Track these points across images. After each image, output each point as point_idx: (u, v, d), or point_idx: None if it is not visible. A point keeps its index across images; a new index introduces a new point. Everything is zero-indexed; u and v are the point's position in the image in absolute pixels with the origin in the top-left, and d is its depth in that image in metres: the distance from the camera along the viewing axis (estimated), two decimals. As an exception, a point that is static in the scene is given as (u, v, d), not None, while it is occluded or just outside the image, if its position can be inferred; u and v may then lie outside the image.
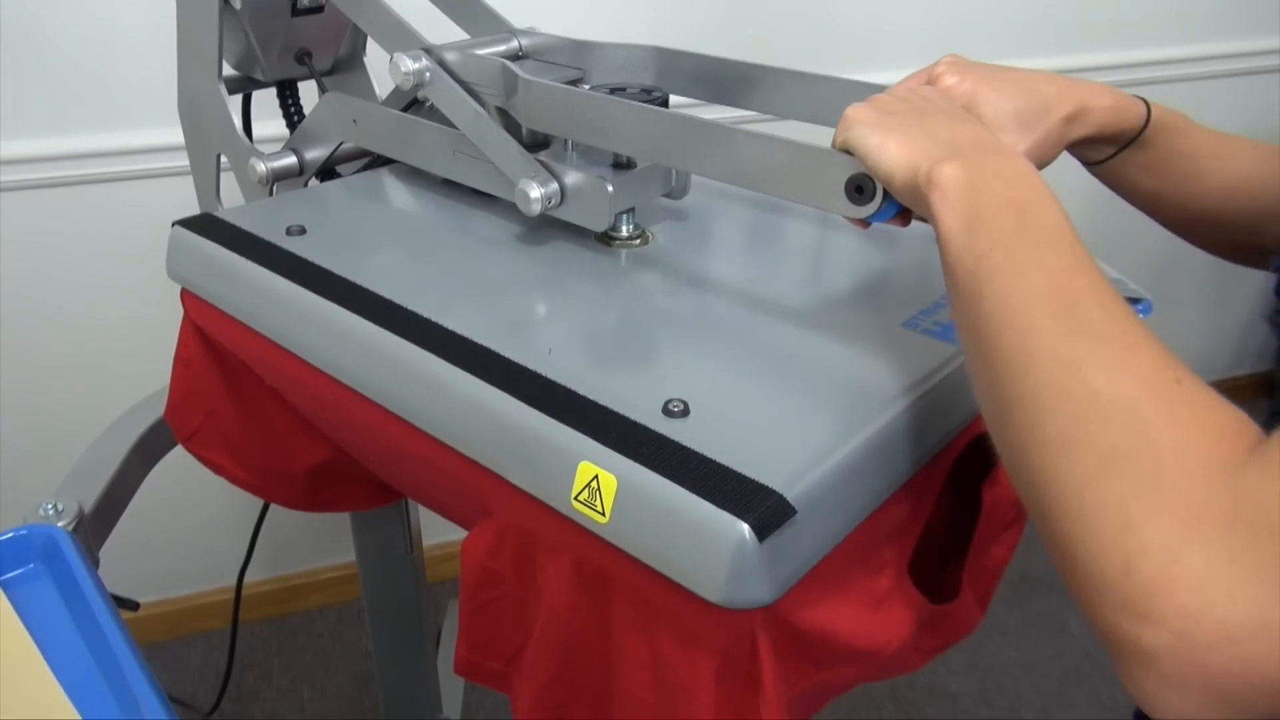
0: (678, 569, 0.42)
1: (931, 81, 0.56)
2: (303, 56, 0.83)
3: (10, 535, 0.58)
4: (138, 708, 0.50)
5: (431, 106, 0.69)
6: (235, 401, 0.70)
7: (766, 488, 0.41)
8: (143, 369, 1.03)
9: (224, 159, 0.83)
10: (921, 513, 0.52)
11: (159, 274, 0.69)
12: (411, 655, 1.10)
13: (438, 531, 1.59)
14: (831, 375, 0.52)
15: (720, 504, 0.41)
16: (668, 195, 0.69)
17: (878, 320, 0.57)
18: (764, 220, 0.73)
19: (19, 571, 0.58)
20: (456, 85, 0.66)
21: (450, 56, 0.66)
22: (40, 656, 0.53)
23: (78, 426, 0.88)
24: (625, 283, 0.63)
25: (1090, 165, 0.62)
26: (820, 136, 0.51)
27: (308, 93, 0.87)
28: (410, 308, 0.57)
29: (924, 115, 0.48)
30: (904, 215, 0.50)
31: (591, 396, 0.48)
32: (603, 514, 0.44)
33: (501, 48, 0.71)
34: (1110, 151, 0.60)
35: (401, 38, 0.68)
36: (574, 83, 0.67)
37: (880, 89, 0.54)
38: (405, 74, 0.66)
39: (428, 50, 0.66)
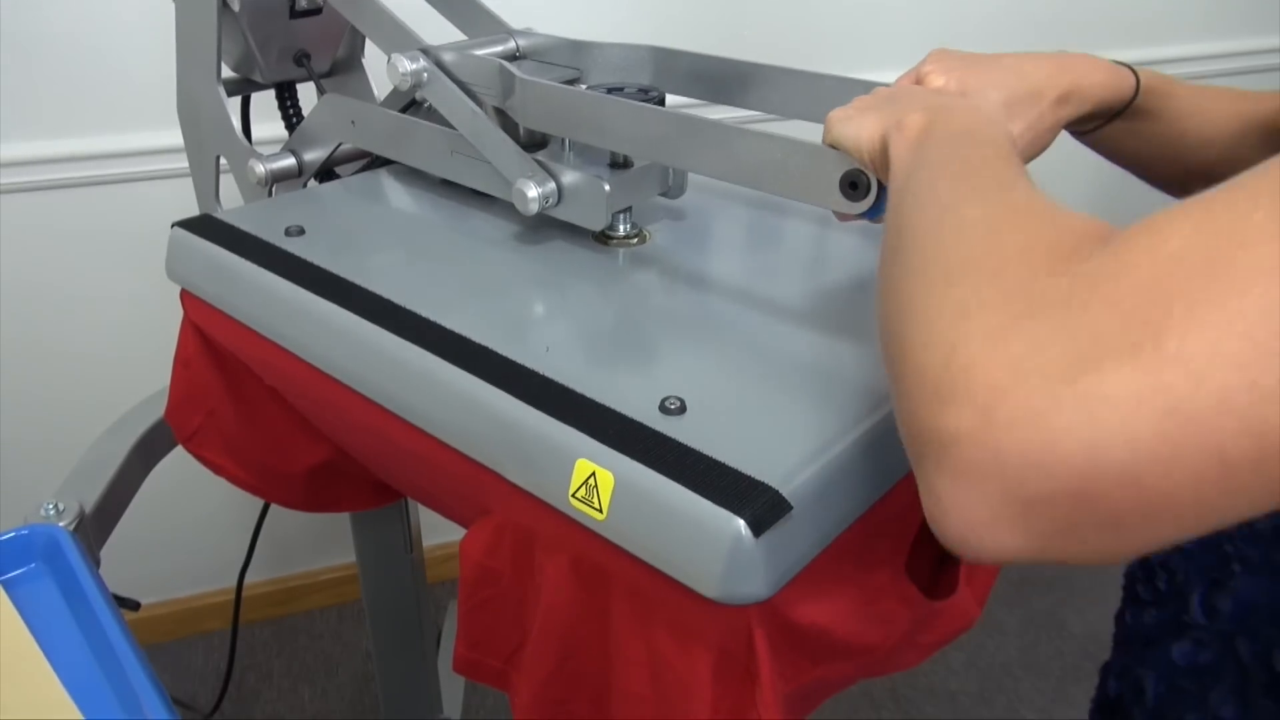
0: (675, 565, 0.42)
1: (919, 82, 0.56)
2: (301, 58, 0.84)
3: (11, 535, 0.59)
4: (140, 707, 0.50)
5: (429, 107, 0.69)
6: (235, 402, 0.71)
7: (762, 484, 0.42)
8: (143, 370, 1.03)
9: (223, 160, 0.84)
10: (917, 509, 0.52)
11: (159, 275, 0.70)
12: (412, 655, 1.10)
13: (438, 532, 1.59)
14: (827, 372, 0.52)
15: (716, 500, 0.41)
16: (664, 195, 0.69)
17: (874, 318, 0.57)
18: (760, 219, 0.73)
19: (20, 571, 0.58)
20: (454, 86, 0.66)
21: (448, 57, 0.67)
22: (42, 656, 0.53)
23: (79, 427, 0.88)
24: (622, 282, 0.63)
25: (1077, 134, 0.62)
26: (817, 134, 0.52)
27: (306, 94, 0.87)
28: (409, 307, 0.57)
29: (898, 98, 0.48)
30: None
31: (589, 394, 0.49)
32: (600, 511, 0.44)
33: (499, 48, 0.72)
34: (1100, 122, 0.60)
35: (399, 39, 0.68)
36: (571, 82, 0.67)
37: (875, 86, 0.55)
38: (403, 75, 0.66)
39: (425, 51, 0.67)
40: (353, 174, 0.83)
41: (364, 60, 0.88)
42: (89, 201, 1.27)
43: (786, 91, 0.65)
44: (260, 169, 0.78)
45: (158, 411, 0.79)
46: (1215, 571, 0.43)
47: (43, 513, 0.67)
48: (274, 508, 0.85)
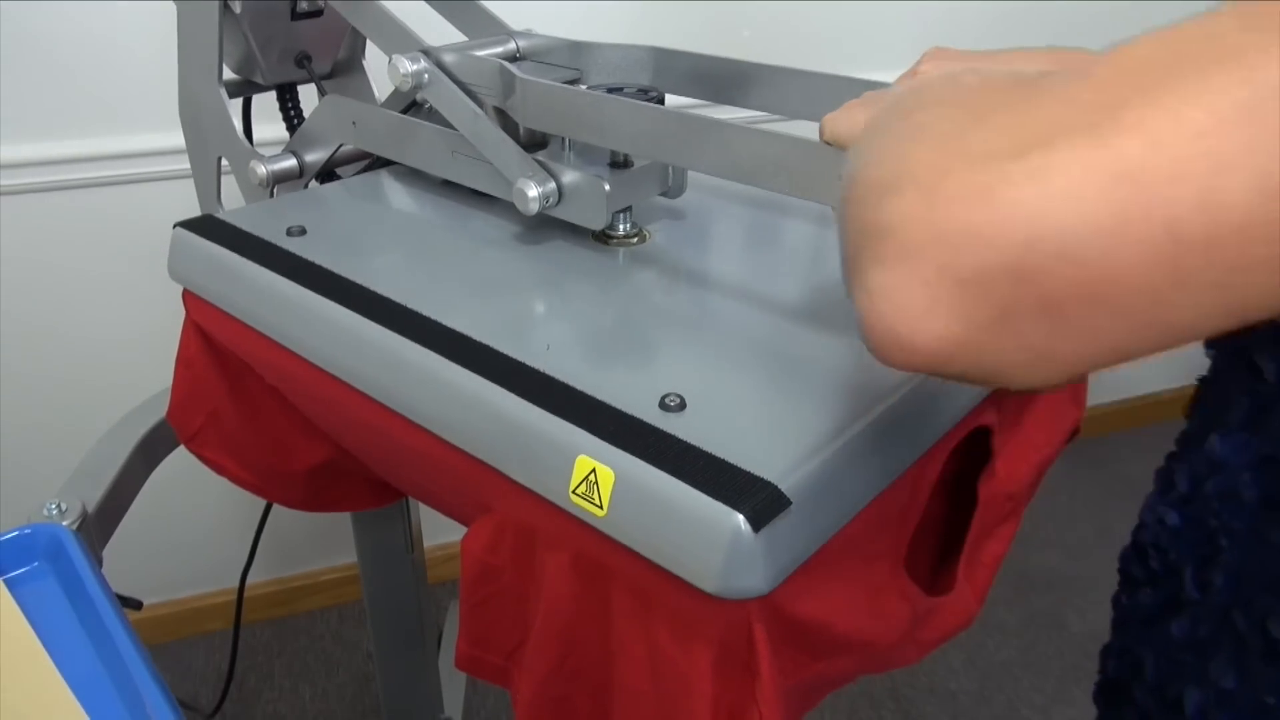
0: (675, 560, 0.43)
1: None
2: (302, 60, 0.84)
3: (14, 534, 0.59)
4: (143, 705, 0.50)
5: (430, 108, 0.70)
6: (237, 402, 0.71)
7: (762, 479, 0.42)
8: (145, 370, 1.04)
9: (225, 162, 0.84)
10: (917, 505, 0.52)
11: (161, 276, 0.70)
12: (413, 656, 1.10)
13: (439, 532, 1.60)
14: (827, 369, 0.52)
15: (716, 496, 0.41)
16: (664, 194, 0.69)
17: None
18: (760, 218, 0.73)
19: (23, 570, 0.58)
20: (455, 86, 0.66)
21: (448, 58, 0.67)
22: (45, 654, 0.53)
23: (81, 427, 0.89)
24: (623, 280, 0.64)
25: None
26: (817, 134, 0.52)
27: (307, 96, 0.87)
28: (410, 306, 0.58)
29: (885, 97, 0.48)
30: None
31: (589, 392, 0.49)
32: (600, 507, 0.44)
33: (499, 49, 0.72)
34: None
35: (400, 40, 0.68)
36: (571, 83, 0.67)
37: (876, 85, 0.55)
38: (404, 75, 0.66)
39: (426, 52, 0.67)
40: (354, 175, 0.83)
41: (365, 61, 0.88)
42: (91, 203, 1.27)
43: (786, 91, 0.66)
44: (262, 170, 0.79)
45: (160, 412, 0.79)
46: (1204, 547, 0.43)
47: (45, 512, 0.68)
48: (275, 508, 0.85)
